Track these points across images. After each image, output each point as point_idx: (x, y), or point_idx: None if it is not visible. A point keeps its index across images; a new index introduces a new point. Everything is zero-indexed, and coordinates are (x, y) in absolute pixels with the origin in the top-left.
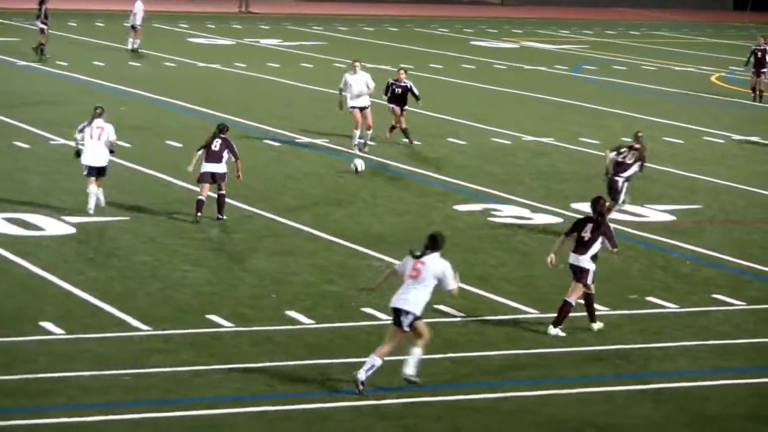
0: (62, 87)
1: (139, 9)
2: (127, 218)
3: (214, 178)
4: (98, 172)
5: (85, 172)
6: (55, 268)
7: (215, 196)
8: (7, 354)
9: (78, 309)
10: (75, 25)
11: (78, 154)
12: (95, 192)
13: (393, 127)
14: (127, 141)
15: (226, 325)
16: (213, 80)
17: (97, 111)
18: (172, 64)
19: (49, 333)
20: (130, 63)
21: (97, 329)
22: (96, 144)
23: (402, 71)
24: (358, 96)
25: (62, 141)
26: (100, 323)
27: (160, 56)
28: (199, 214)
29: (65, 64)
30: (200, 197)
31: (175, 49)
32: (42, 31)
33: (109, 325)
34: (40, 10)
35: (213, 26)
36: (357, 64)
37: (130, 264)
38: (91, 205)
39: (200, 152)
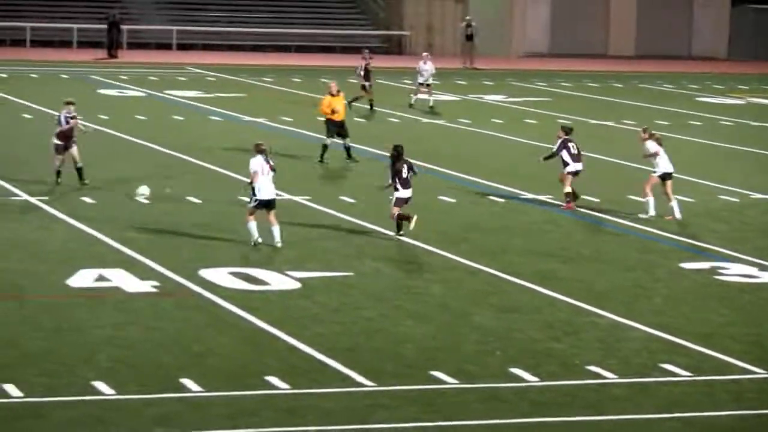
0: (287, 142)
1: (428, 67)
2: (351, 274)
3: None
4: (269, 205)
5: (254, 205)
6: (280, 323)
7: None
8: (232, 407)
9: (303, 364)
10: (300, 81)
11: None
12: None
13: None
14: (352, 197)
15: (450, 381)
16: (437, 136)
17: (261, 147)
18: (396, 120)
19: (274, 387)
20: (355, 119)
21: (322, 384)
22: (267, 178)
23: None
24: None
25: (287, 196)
26: (325, 378)
27: (384, 112)
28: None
29: (290, 119)
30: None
31: (399, 104)
32: (364, 87)
33: (334, 381)
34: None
35: (437, 82)
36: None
37: (354, 319)
38: (277, 237)
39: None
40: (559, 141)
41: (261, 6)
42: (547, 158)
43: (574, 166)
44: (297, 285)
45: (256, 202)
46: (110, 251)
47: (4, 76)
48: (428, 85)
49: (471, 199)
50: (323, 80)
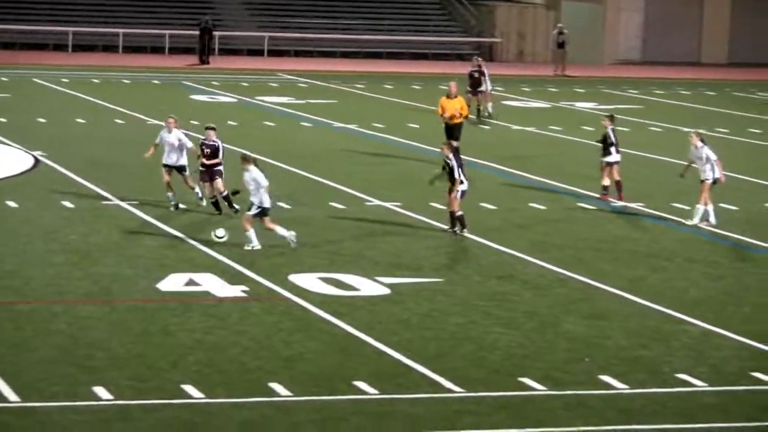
0: (377, 148)
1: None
2: (441, 280)
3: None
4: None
5: (255, 213)
6: (369, 328)
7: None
8: (321, 412)
9: (391, 369)
10: (391, 87)
11: None
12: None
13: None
14: (443, 203)
15: (539, 388)
16: (527, 143)
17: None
18: (486, 127)
19: (363, 393)
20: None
21: (410, 390)
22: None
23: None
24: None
25: (377, 202)
26: (413, 384)
27: (476, 119)
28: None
29: (382, 125)
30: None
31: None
32: (475, 93)
33: (422, 386)
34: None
35: (528, 89)
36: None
37: (443, 325)
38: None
39: None
40: (611, 130)
41: (353, 13)
42: (607, 145)
43: (615, 157)
44: (386, 291)
45: (259, 210)
46: (200, 256)
47: (97, 81)
48: (481, 91)
49: (561, 207)
50: (414, 86)
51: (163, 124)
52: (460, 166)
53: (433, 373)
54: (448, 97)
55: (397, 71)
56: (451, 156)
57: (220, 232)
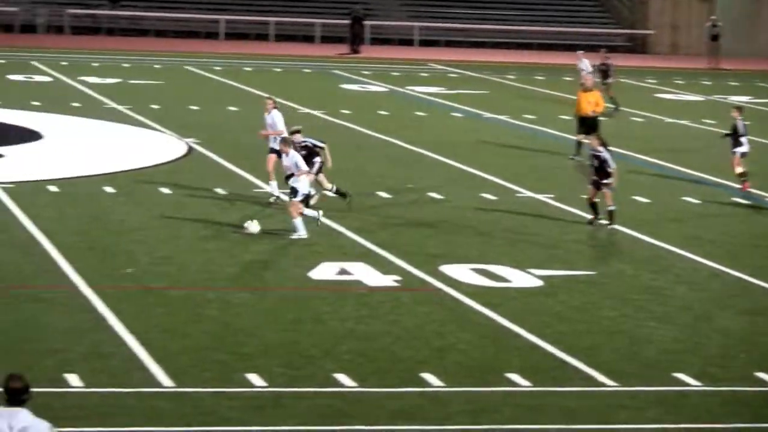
0: (528, 140)
1: (584, 66)
2: (593, 273)
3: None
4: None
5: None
6: (522, 320)
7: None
8: (474, 403)
9: (544, 362)
10: (543, 78)
11: None
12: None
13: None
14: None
15: (694, 383)
16: (680, 136)
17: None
18: (640, 119)
19: (516, 385)
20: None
21: (563, 383)
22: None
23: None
24: None
25: (528, 194)
26: (566, 377)
27: (628, 111)
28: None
29: (533, 117)
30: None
31: (643, 104)
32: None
33: (575, 380)
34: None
35: (682, 82)
36: None
37: (596, 319)
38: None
39: None
40: (741, 121)
41: (504, 3)
42: (737, 136)
43: (744, 148)
44: (539, 283)
45: (304, 196)
46: (352, 244)
47: (249, 69)
48: (608, 83)
49: (715, 201)
50: (566, 78)
51: (314, 112)
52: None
53: (586, 366)
54: (584, 90)
55: (548, 62)
56: (600, 149)
57: (252, 226)
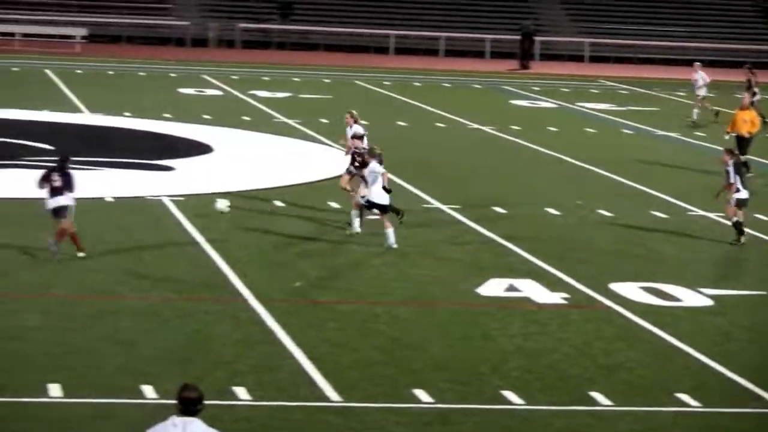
0: (699, 157)
1: (699, 77)
2: (764, 292)
3: None
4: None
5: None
6: (691, 339)
7: None
8: (642, 423)
9: (714, 382)
10: (714, 95)
11: None
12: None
13: None
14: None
15: None
16: None
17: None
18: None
19: (685, 405)
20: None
21: (735, 404)
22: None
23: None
24: None
25: (700, 212)
26: (738, 398)
27: None
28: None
29: (703, 134)
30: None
31: None
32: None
33: (746, 401)
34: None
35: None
36: None
37: (767, 339)
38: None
39: None
40: None
41: (674, 19)
42: None
43: None
44: (710, 302)
45: (367, 203)
46: (520, 261)
47: (418, 84)
48: (703, 97)
49: None
50: (736, 95)
51: (483, 128)
52: (738, 174)
53: (757, 387)
54: (741, 108)
55: (718, 79)
56: (730, 162)
57: (221, 204)
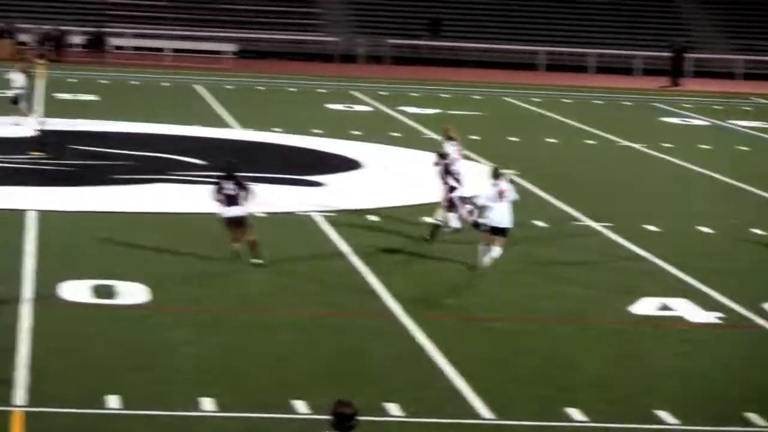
0: None
1: None
2: None
3: None
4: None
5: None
6: None
7: None
8: None
9: None
10: None
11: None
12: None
13: None
14: None
15: None
16: None
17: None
18: None
19: None
20: None
21: None
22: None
23: None
24: None
25: None
26: None
27: None
28: None
29: None
30: None
31: None
32: None
33: None
34: None
35: None
36: None
37: None
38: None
39: None
40: None
41: None
42: None
43: None
44: None
45: (487, 228)
46: (673, 280)
47: (568, 101)
48: None
49: None
50: None
51: (634, 145)
52: None
53: None
54: None
55: None
56: None
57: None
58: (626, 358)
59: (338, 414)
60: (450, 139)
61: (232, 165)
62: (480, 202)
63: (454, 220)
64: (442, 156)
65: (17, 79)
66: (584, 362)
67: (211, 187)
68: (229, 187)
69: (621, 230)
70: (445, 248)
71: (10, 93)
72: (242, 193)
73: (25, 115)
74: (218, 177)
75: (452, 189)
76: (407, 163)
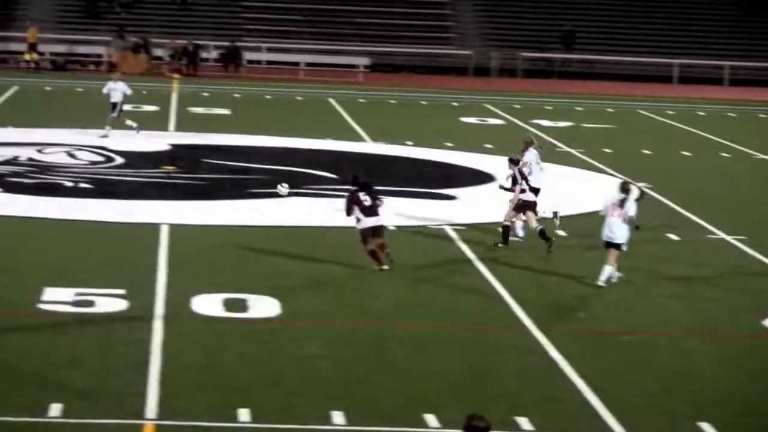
0: None
1: None
2: None
3: None
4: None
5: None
6: None
7: None
8: None
9: None
10: None
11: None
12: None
13: None
14: None
15: None
16: None
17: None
18: None
19: None
20: None
21: None
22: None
23: None
24: None
25: None
26: None
27: None
28: None
29: None
30: None
31: None
32: None
33: None
34: None
35: None
36: None
37: None
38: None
39: None
40: None
41: None
42: None
43: None
44: None
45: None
46: None
47: (702, 114)
48: None
49: None
50: None
51: None
52: None
53: None
54: None
55: None
56: None
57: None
58: (759, 373)
59: (471, 428)
60: (528, 145)
61: (364, 180)
62: (603, 213)
63: (519, 229)
64: (515, 162)
65: (121, 87)
66: (715, 377)
67: (344, 199)
68: (366, 198)
69: (755, 244)
70: (576, 260)
71: (113, 99)
72: (377, 203)
73: (116, 123)
74: (353, 189)
75: (522, 191)
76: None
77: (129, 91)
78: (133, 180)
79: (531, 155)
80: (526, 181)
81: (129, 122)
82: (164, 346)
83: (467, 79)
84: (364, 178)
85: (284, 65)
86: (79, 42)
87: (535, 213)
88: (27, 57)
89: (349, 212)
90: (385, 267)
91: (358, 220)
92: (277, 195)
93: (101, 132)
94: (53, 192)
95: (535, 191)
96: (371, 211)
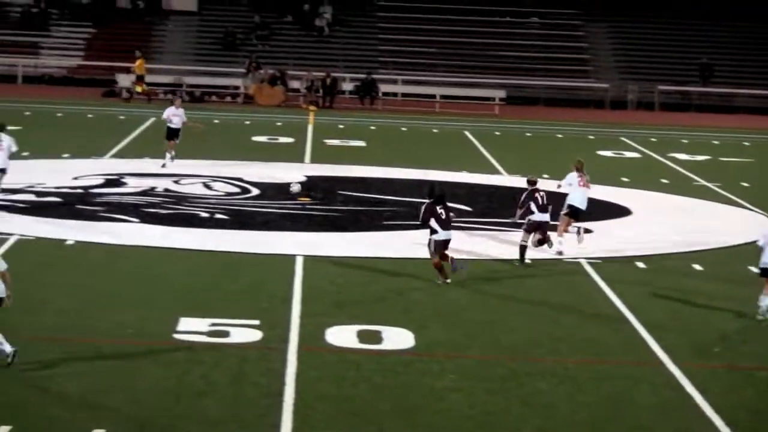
0: None
1: None
2: None
3: None
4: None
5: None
6: None
7: None
8: None
9: None
10: None
11: None
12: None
13: None
14: None
15: None
16: None
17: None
18: None
19: None
20: None
21: None
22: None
23: None
24: None
25: None
26: None
27: None
28: None
29: None
30: None
31: None
32: None
33: None
34: None
35: None
36: None
37: None
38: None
39: None
40: None
41: None
42: None
43: None
44: None
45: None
46: None
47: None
48: None
49: None
50: None
51: None
52: None
53: None
54: None
55: None
56: None
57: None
58: None
59: None
60: (577, 170)
61: (441, 194)
62: (759, 243)
63: (558, 244)
64: (532, 183)
65: (181, 114)
66: None
67: (422, 208)
68: (441, 212)
69: None
70: (716, 294)
71: (173, 125)
72: (451, 217)
73: (169, 148)
74: (429, 200)
75: (531, 212)
76: (677, 210)
77: (185, 119)
78: (268, 211)
79: (571, 177)
80: (537, 204)
81: (171, 152)
82: (298, 377)
83: (604, 112)
84: (440, 191)
85: (420, 98)
86: (216, 74)
87: (545, 233)
88: (138, 89)
89: (425, 221)
90: (449, 281)
91: (435, 231)
92: (406, 227)
93: (162, 161)
94: (189, 223)
95: (576, 211)
96: (447, 224)
